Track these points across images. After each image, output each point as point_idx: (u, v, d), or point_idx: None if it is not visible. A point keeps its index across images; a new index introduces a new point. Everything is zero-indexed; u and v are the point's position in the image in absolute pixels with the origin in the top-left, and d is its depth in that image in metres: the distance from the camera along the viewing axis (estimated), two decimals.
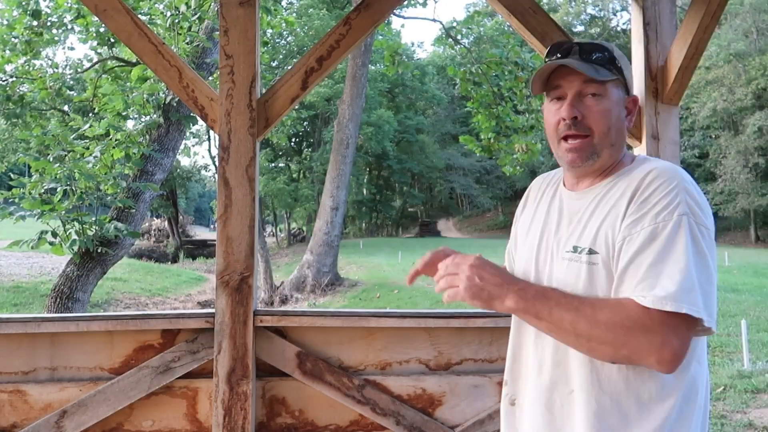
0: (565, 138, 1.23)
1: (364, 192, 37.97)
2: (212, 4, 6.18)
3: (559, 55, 1.25)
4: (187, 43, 6.13)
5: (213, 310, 2.20)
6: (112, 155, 5.75)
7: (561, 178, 1.38)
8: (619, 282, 1.11)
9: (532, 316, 1.11)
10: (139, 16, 3.80)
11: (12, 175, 5.55)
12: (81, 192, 5.44)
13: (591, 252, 1.17)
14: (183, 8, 5.98)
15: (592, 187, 1.26)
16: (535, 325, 1.14)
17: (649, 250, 1.09)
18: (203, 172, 39.49)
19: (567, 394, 1.19)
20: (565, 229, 1.26)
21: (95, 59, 8.15)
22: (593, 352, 1.10)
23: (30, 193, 5.30)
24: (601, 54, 1.23)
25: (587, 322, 1.07)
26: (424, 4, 13.37)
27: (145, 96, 6.01)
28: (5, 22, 6.90)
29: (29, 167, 5.67)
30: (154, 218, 32.49)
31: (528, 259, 1.33)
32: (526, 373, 1.28)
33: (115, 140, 5.80)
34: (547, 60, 1.27)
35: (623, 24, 45.26)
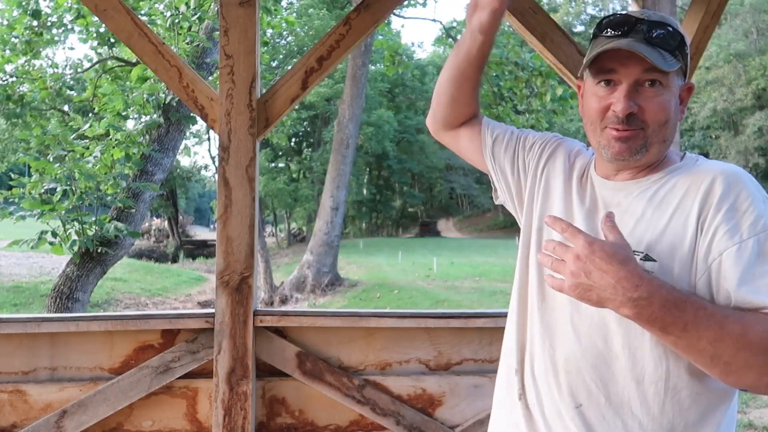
0: (614, 127, 1.05)
1: (364, 192, 37.95)
2: (212, 4, 6.18)
3: (618, 31, 1.04)
4: (187, 43, 6.13)
5: (213, 310, 2.20)
6: (112, 155, 5.75)
7: (591, 160, 1.21)
8: (734, 297, 0.94)
9: (658, 330, 0.90)
10: (139, 16, 3.80)
11: (12, 175, 5.54)
12: (81, 192, 5.44)
13: (647, 258, 1.00)
14: (183, 8, 5.98)
15: (637, 180, 1.09)
16: (659, 338, 0.94)
17: (765, 262, 0.94)
18: (203, 172, 39.49)
19: (573, 408, 1.06)
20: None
21: (95, 59, 8.15)
22: (728, 377, 0.91)
23: (30, 193, 5.30)
24: (666, 33, 1.02)
25: (733, 342, 0.88)
26: (424, 4, 13.40)
27: (145, 96, 6.01)
28: (5, 22, 6.91)
29: (29, 167, 5.66)
30: (154, 218, 32.49)
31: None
32: (540, 374, 1.12)
33: (115, 140, 5.80)
34: (599, 34, 1.07)
35: None
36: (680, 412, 0.99)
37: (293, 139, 34.44)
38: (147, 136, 6.26)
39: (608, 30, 1.05)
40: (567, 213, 1.16)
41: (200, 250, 27.77)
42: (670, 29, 1.03)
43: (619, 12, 1.08)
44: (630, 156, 1.05)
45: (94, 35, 7.58)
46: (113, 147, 5.77)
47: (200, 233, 38.62)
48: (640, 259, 0.99)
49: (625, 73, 1.03)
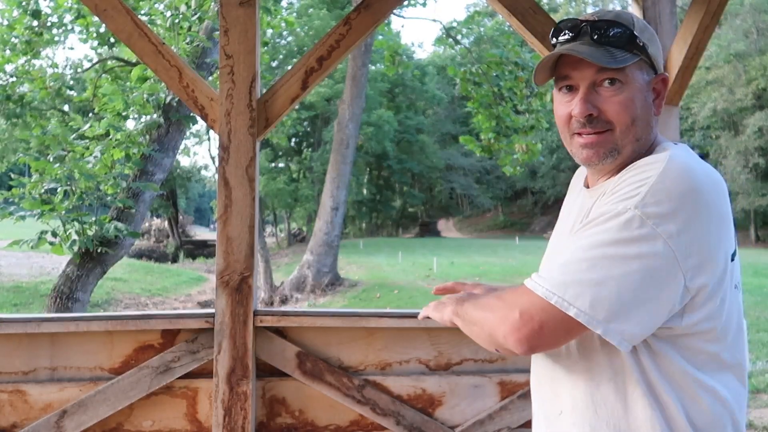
0: (579, 133, 1.06)
1: (364, 192, 37.93)
2: (212, 4, 6.17)
3: (565, 36, 1.06)
4: (187, 43, 6.13)
5: (213, 310, 2.20)
6: (112, 155, 5.75)
7: (585, 175, 1.23)
8: None
9: (456, 316, 1.11)
10: (139, 16, 3.80)
11: (12, 175, 5.54)
12: (81, 192, 5.43)
13: None
14: (183, 8, 5.98)
15: (603, 183, 1.08)
16: (464, 328, 1.11)
17: (572, 237, 1.00)
18: (203, 172, 39.55)
19: (556, 416, 1.08)
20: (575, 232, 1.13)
21: (95, 59, 8.16)
22: (479, 339, 1.06)
23: (30, 193, 5.30)
24: (619, 30, 1.02)
25: (473, 306, 1.07)
26: (424, 4, 13.41)
27: (145, 96, 6.00)
28: (5, 22, 6.91)
29: (29, 167, 5.66)
30: (154, 218, 32.48)
31: (542, 265, 1.23)
32: (532, 386, 1.21)
33: (115, 140, 5.79)
34: (553, 42, 1.09)
35: None
36: (647, 406, 0.97)
37: (293, 139, 34.42)
38: (147, 136, 6.25)
39: (560, 35, 1.07)
40: (558, 229, 1.23)
41: (200, 250, 27.75)
42: (620, 26, 1.02)
43: (568, 18, 1.10)
44: (599, 160, 1.05)
45: (94, 35, 7.59)
46: (113, 147, 5.76)
47: (200, 233, 38.62)
48: None
49: (579, 76, 1.03)
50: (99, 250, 5.50)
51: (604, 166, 1.06)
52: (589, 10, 46.19)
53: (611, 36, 1.02)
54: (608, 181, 1.06)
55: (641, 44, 1.03)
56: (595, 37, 1.02)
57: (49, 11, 7.03)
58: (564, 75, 1.05)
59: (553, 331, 0.94)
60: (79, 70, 8.97)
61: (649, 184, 0.93)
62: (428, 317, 1.23)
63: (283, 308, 12.59)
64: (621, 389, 0.99)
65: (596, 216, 0.96)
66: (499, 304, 1.00)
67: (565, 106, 1.06)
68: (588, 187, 1.16)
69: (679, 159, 0.97)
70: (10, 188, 5.47)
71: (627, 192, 0.95)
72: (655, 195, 0.92)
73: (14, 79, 7.32)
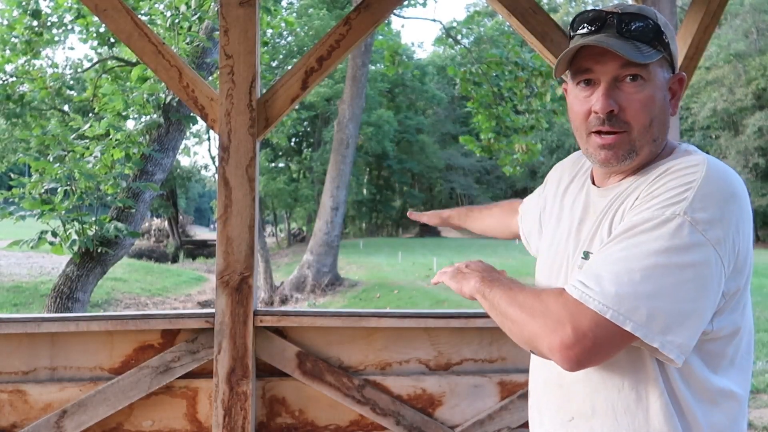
0: (597, 132, 1.01)
1: (364, 192, 37.92)
2: (212, 4, 6.17)
3: (589, 28, 1.00)
4: (187, 43, 6.12)
5: (213, 310, 2.20)
6: (112, 155, 5.74)
7: (590, 168, 1.18)
8: None
9: (481, 296, 1.04)
10: (139, 16, 3.80)
11: (12, 175, 5.54)
12: (81, 192, 5.43)
13: (585, 256, 1.03)
14: (183, 8, 5.98)
15: (620, 182, 1.05)
16: (488, 310, 1.04)
17: (615, 243, 0.92)
18: (203, 172, 39.54)
19: (567, 422, 1.05)
20: (585, 231, 1.08)
21: (95, 59, 8.16)
22: (511, 335, 0.99)
23: (30, 193, 5.29)
24: (643, 24, 0.97)
25: (508, 299, 0.97)
26: (424, 4, 13.41)
27: (145, 96, 6.00)
28: (5, 22, 6.91)
29: (29, 167, 5.66)
30: (154, 218, 32.50)
31: (543, 264, 1.19)
32: (533, 389, 1.18)
33: (115, 140, 5.79)
34: (572, 33, 1.04)
35: None
36: (670, 415, 0.95)
37: (293, 139, 34.40)
38: (147, 136, 6.25)
39: (581, 28, 1.02)
40: (557, 226, 1.19)
41: (200, 250, 27.77)
42: (646, 20, 0.98)
43: (590, 8, 1.04)
44: (618, 162, 1.01)
45: (94, 35, 7.59)
46: (113, 147, 5.76)
47: (200, 233, 38.62)
48: (581, 257, 1.04)
49: (602, 70, 0.99)
50: (99, 250, 5.50)
51: (621, 168, 1.03)
52: None
53: (635, 30, 0.97)
54: (626, 181, 1.04)
55: (666, 41, 1.00)
56: (622, 28, 0.97)
57: (49, 11, 7.03)
58: (585, 68, 1.01)
59: (606, 347, 0.89)
60: (79, 70, 8.97)
61: (694, 188, 0.90)
62: (437, 286, 1.20)
63: (283, 308, 12.58)
64: (643, 397, 0.96)
65: (640, 222, 0.91)
66: (541, 310, 0.92)
67: (584, 102, 1.02)
68: (595, 183, 1.13)
69: (716, 163, 0.95)
70: (10, 188, 5.47)
71: (672, 197, 0.91)
72: (702, 200, 0.89)
73: (14, 79, 7.32)
